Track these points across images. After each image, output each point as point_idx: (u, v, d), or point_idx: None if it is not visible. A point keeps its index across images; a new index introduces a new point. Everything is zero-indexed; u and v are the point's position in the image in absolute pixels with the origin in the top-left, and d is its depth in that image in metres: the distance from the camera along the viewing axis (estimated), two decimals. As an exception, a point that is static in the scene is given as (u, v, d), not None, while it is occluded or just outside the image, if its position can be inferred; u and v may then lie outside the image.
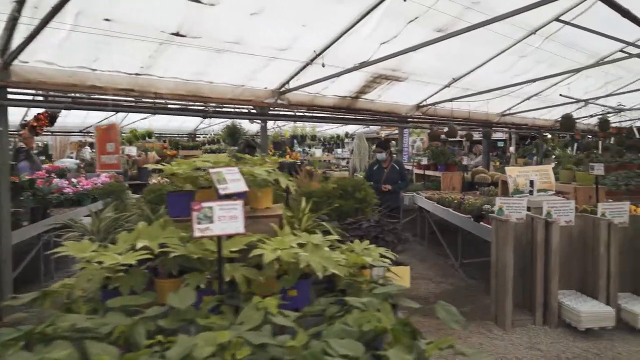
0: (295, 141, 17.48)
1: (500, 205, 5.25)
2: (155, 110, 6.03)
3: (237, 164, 2.64)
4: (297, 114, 7.35)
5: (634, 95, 11.98)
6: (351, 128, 18.57)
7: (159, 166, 2.71)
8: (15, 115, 9.39)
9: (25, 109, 9.04)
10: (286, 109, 7.25)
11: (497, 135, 19.55)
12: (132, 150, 12.02)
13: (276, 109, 7.06)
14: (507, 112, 10.72)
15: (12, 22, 4.07)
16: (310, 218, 3.05)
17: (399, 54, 5.48)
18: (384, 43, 6.25)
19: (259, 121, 7.18)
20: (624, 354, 4.46)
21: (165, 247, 2.11)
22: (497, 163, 13.59)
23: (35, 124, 7.09)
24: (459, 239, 6.94)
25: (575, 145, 14.64)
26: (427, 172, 10.10)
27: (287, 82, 6.65)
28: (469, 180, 9.36)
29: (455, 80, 8.22)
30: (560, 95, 9.32)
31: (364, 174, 8.22)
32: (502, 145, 20.10)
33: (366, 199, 4.13)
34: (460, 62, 7.66)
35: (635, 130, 10.54)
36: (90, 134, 12.82)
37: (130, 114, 10.31)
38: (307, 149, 21.37)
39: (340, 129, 19.05)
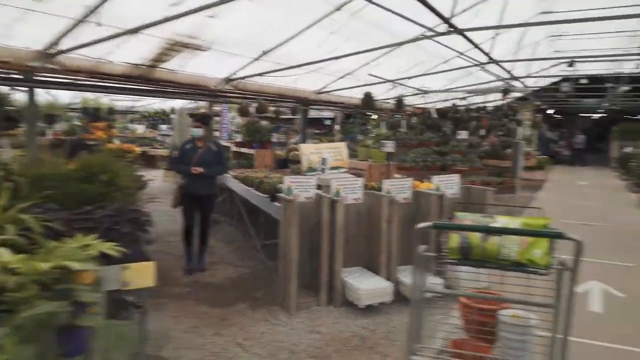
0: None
1: (289, 184, 5.04)
2: None
3: None
4: (77, 81, 6.34)
5: (436, 78, 13.03)
6: (178, 103, 17.44)
7: None
8: None
9: None
10: (62, 76, 6.19)
11: (326, 114, 20.17)
12: None
13: (46, 74, 5.97)
14: (324, 90, 10.80)
15: None
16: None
17: (185, 14, 4.91)
18: (174, 5, 5.60)
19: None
20: (398, 326, 4.58)
21: None
22: (324, 141, 13.84)
23: None
24: (261, 219, 6.69)
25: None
26: (243, 150, 9.73)
27: (57, 42, 5.61)
28: (284, 158, 9.21)
29: (265, 53, 7.86)
30: (370, 74, 9.60)
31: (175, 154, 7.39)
32: (329, 123, 20.71)
33: (115, 182, 3.51)
34: (271, 35, 7.32)
35: (433, 111, 11.43)
36: None
37: None
38: (129, 124, 19.65)
39: (166, 103, 17.78)
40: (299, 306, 4.88)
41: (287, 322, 4.66)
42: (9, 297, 1.90)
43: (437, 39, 9.64)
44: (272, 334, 4.41)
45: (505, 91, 10.61)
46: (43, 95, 9.57)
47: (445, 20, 6.65)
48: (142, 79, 7.07)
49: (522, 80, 13.55)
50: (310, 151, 5.69)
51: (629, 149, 18.12)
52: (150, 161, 16.54)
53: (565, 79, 17.35)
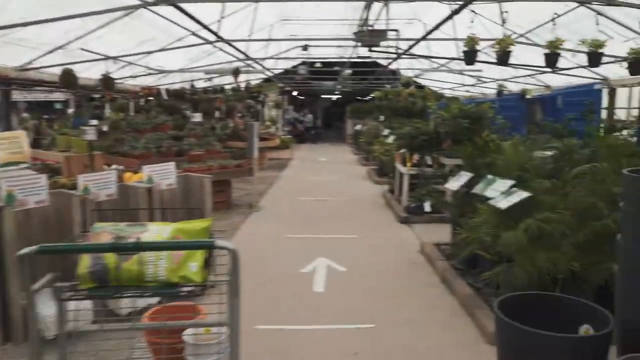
0: None
1: None
2: None
3: None
4: None
5: (175, 58, 12.13)
6: None
7: None
8: None
9: None
10: None
11: (57, 96, 17.33)
12: None
13: None
14: (29, 66, 8.88)
15: None
16: None
17: None
18: None
19: None
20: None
21: None
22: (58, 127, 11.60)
23: None
24: None
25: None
26: None
27: None
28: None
29: None
30: (82, 49, 8.19)
31: None
32: (61, 107, 17.90)
33: None
34: None
35: (163, 91, 10.59)
36: None
37: None
38: None
39: None
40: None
41: None
42: None
43: (163, 13, 8.76)
44: None
45: (236, 72, 10.39)
46: None
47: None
48: None
49: (260, 62, 13.67)
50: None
51: (358, 127, 20.34)
52: None
53: (303, 63, 18.37)
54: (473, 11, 6.71)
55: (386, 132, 14.40)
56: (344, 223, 7.95)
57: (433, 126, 8.70)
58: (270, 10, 12.62)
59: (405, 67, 16.57)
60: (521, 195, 4.08)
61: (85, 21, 7.71)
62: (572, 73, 11.05)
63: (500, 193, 4.45)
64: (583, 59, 10.44)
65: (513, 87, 13.60)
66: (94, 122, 9.06)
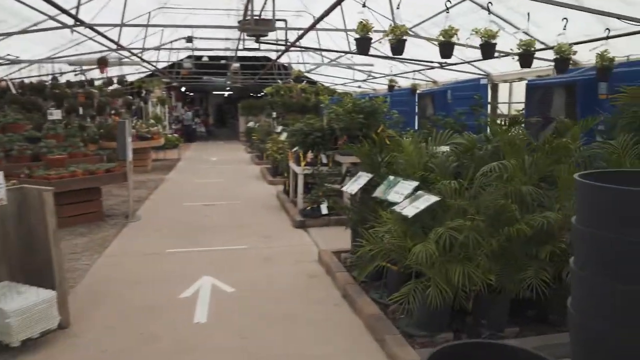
0: None
1: None
2: None
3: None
4: None
5: (34, 46, 10.37)
6: None
7: None
8: None
9: None
10: None
11: None
12: None
13: None
14: None
15: None
16: None
17: None
18: None
19: None
20: None
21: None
22: None
23: None
24: None
25: None
26: None
27: None
28: None
29: None
30: None
31: None
32: None
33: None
34: None
35: (12, 85, 8.92)
36: None
37: None
38: None
39: None
40: None
41: None
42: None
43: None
44: None
45: (102, 61, 9.00)
46: None
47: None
48: None
49: (139, 54, 12.21)
50: None
51: (251, 124, 19.40)
52: None
53: (189, 56, 17.02)
54: (364, 5, 6.16)
55: (279, 129, 13.68)
56: (234, 231, 7.05)
57: (327, 122, 8.11)
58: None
59: (297, 61, 15.95)
60: (429, 200, 3.53)
61: None
62: (458, 68, 11.13)
63: (405, 197, 3.89)
64: (470, 54, 10.56)
65: (402, 83, 13.56)
66: None
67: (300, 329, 3.98)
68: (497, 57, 5.93)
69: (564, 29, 5.71)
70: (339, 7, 5.76)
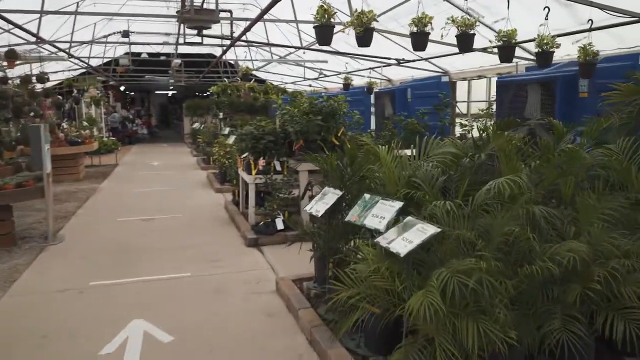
0: None
1: None
2: None
3: None
4: None
5: None
6: None
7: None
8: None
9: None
10: None
11: None
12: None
13: None
14: None
15: None
16: None
17: None
18: None
19: None
20: None
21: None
22: None
23: None
24: None
25: None
26: None
27: None
28: None
29: None
30: None
31: None
32: None
33: None
34: None
35: None
36: None
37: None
38: None
39: None
40: None
41: None
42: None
43: None
44: None
45: (10, 55, 7.64)
46: None
47: None
48: None
49: (66, 48, 10.76)
50: None
51: (196, 125, 18.07)
52: None
53: (127, 53, 15.57)
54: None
55: (226, 130, 12.57)
56: (176, 254, 5.97)
57: (280, 125, 7.15)
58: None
59: (244, 59, 14.86)
60: (424, 231, 2.66)
61: None
62: (415, 66, 10.46)
63: (387, 223, 3.02)
64: (430, 50, 9.88)
65: (355, 82, 12.76)
66: None
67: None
68: (474, 51, 5.16)
69: (546, 19, 5.05)
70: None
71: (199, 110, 20.28)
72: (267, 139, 6.81)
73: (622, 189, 3.54)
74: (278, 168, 6.80)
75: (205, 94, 25.30)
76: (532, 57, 7.62)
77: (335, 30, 4.71)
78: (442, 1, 7.23)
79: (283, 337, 3.79)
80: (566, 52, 6.25)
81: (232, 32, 8.87)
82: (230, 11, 8.41)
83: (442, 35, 4.77)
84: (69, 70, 15.20)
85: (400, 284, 2.63)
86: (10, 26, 7.79)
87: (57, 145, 10.70)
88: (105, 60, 16.21)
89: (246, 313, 4.26)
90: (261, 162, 6.78)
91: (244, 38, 9.52)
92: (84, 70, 15.88)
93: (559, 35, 5.16)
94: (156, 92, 31.09)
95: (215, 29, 10.65)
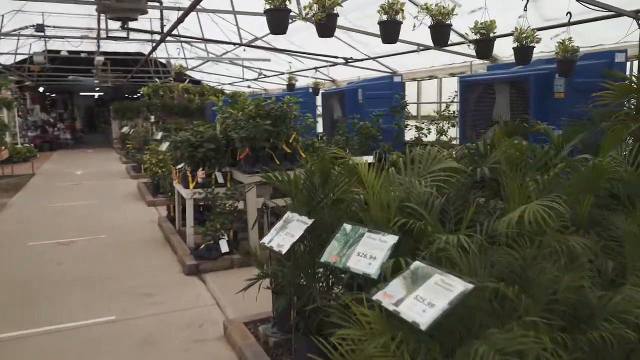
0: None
1: None
2: None
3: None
4: None
5: None
6: None
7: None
8: None
9: None
10: None
11: None
12: None
13: None
14: None
15: None
16: None
17: None
18: None
19: None
20: None
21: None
22: None
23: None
24: None
25: None
26: None
27: None
28: None
29: None
30: None
31: None
32: None
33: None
34: None
35: None
36: None
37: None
38: None
39: None
40: None
41: None
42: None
43: None
44: None
45: None
46: None
47: None
48: None
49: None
50: None
51: (125, 129, 16.45)
52: None
53: (45, 51, 13.77)
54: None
55: (159, 135, 11.31)
56: (96, 288, 4.82)
57: (221, 130, 6.15)
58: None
59: (177, 56, 13.56)
60: (449, 288, 1.84)
61: None
62: (362, 65, 9.77)
63: (382, 267, 2.19)
64: (379, 50, 9.21)
65: (299, 82, 11.90)
66: None
67: None
68: (450, 45, 4.45)
69: (525, 10, 4.45)
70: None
71: (129, 113, 18.60)
72: (206, 147, 5.79)
73: (631, 205, 2.95)
74: (220, 180, 5.80)
75: (135, 96, 23.45)
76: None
77: (290, 18, 3.82)
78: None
79: (239, 412, 2.86)
80: (536, 49, 5.75)
81: (162, 25, 7.73)
82: (160, 1, 7.27)
83: (414, 26, 4.00)
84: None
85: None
86: None
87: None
88: (19, 58, 14.29)
89: (188, 374, 3.28)
90: (200, 173, 5.76)
91: (175, 32, 8.39)
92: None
93: (540, 29, 4.58)
94: (81, 93, 28.61)
95: (144, 24, 9.42)
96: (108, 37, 8.38)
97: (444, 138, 7.36)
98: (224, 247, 5.34)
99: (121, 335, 3.83)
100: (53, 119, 21.84)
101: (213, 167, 5.84)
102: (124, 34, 8.23)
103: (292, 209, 3.02)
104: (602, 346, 1.81)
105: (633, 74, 5.41)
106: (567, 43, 4.53)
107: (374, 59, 9.45)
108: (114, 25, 8.39)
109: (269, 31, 3.81)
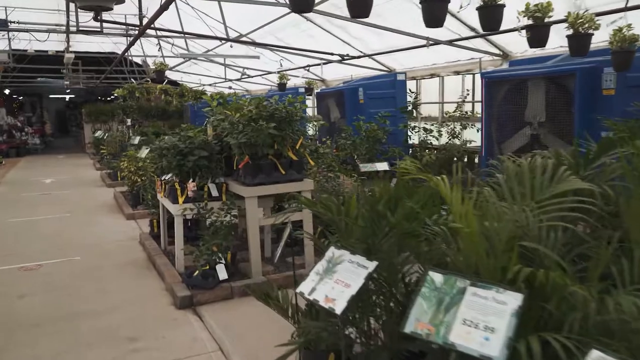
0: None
1: None
2: None
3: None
4: None
5: None
6: None
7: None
8: None
9: None
10: None
11: None
12: None
13: None
14: None
15: None
16: None
17: None
18: None
19: None
20: None
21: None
22: None
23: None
24: None
25: None
26: None
27: None
28: None
29: None
30: None
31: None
32: None
33: None
34: None
35: None
36: None
37: None
38: None
39: None
40: None
41: None
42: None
43: None
44: None
45: None
46: None
47: None
48: None
49: None
50: None
51: (99, 133, 15.24)
52: None
53: (12, 50, 12.52)
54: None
55: (136, 140, 10.26)
56: (67, 331, 3.85)
57: (213, 135, 5.24)
58: None
59: (154, 54, 12.50)
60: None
61: None
62: (358, 63, 8.98)
63: (508, 346, 1.37)
64: (376, 47, 8.44)
65: (288, 82, 11.02)
66: None
67: None
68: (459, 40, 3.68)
69: (582, -8, 3.75)
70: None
71: (102, 116, 17.36)
72: (197, 155, 4.87)
73: None
74: (214, 193, 4.89)
75: (109, 98, 22.14)
76: (496, 50, 6.44)
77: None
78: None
79: None
80: (565, 41, 5.03)
81: (140, 17, 6.75)
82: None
83: (460, 6, 3.22)
84: None
85: None
86: None
87: None
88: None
89: None
90: (191, 185, 4.84)
91: (156, 26, 7.43)
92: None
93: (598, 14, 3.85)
94: (50, 96, 27.00)
95: (118, 19, 8.38)
96: (79, 31, 7.34)
97: (456, 141, 6.64)
98: (222, 273, 4.44)
99: (100, 403, 2.91)
100: (21, 123, 20.34)
101: (205, 178, 4.94)
102: (97, 26, 7.22)
103: (337, 244, 2.17)
104: None
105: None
106: (624, 31, 3.83)
107: (370, 56, 8.67)
108: (86, 18, 7.39)
109: (256, 26, 2.98)
